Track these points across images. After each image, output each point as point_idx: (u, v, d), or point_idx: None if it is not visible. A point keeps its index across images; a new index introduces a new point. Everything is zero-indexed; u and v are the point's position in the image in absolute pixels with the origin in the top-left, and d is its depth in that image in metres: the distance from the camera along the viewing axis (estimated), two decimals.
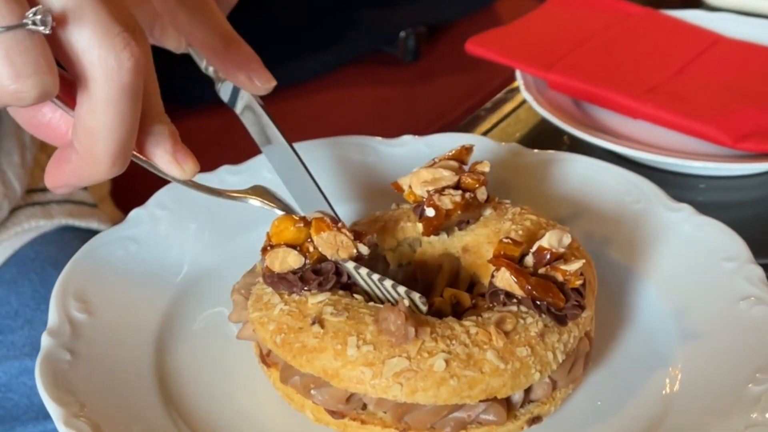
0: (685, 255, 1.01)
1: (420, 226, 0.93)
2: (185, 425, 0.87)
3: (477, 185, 0.92)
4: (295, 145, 1.06)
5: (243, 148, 1.16)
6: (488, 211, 0.95)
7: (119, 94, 0.67)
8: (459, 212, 0.91)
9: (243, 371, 0.92)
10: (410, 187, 0.93)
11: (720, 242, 1.00)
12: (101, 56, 0.65)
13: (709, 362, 0.90)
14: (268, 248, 0.84)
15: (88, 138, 0.69)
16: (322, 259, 0.84)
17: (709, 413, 0.85)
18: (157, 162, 0.76)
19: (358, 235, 0.84)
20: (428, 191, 0.92)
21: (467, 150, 0.95)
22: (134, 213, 1.06)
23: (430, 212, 0.91)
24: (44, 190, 1.42)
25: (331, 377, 0.80)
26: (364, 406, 0.84)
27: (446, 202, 0.91)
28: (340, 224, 0.84)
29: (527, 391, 0.83)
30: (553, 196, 1.11)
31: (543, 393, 0.84)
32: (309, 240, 0.83)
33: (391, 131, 1.21)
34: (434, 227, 0.92)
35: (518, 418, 0.84)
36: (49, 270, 1.33)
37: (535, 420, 0.85)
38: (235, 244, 1.03)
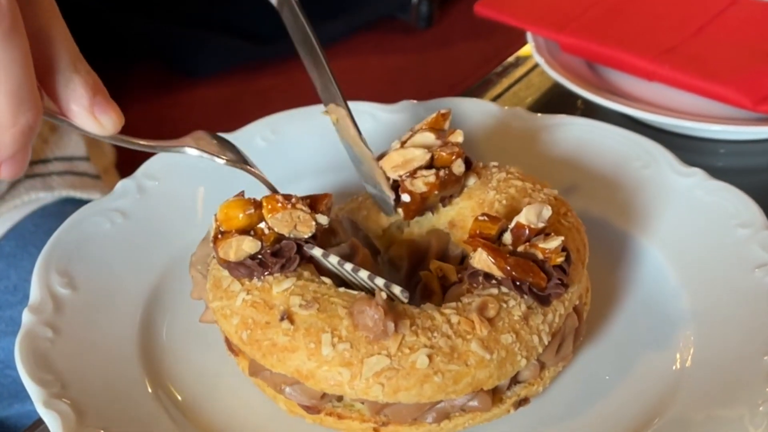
0: (697, 221, 0.97)
1: (401, 211, 0.89)
2: (172, 405, 0.84)
3: (452, 159, 0.88)
4: (292, 111, 1.05)
5: (248, 118, 1.13)
6: (472, 180, 0.90)
7: None
8: (436, 192, 0.87)
9: None
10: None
11: (734, 208, 0.95)
12: None
13: (722, 334, 0.86)
14: (219, 236, 0.78)
15: None
16: (280, 238, 0.78)
17: (722, 388, 0.81)
18: (72, 118, 0.70)
19: (314, 205, 0.79)
20: (400, 176, 0.87)
21: (443, 116, 0.90)
22: (121, 184, 1.03)
23: (405, 198, 0.87)
24: (45, 161, 1.39)
25: (305, 378, 0.75)
26: (340, 397, 0.79)
27: (419, 185, 0.86)
28: (294, 199, 0.78)
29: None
30: (558, 162, 1.07)
31: (530, 374, 0.80)
32: (263, 222, 0.78)
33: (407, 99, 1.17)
34: (413, 211, 0.88)
35: (504, 401, 0.80)
36: None
37: (523, 402, 0.81)
38: None
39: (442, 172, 0.87)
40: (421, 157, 0.87)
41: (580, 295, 0.84)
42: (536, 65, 1.40)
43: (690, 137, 1.25)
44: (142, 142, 0.77)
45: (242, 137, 1.09)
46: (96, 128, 0.70)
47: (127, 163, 1.57)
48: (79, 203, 1.38)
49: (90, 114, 0.69)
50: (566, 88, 1.30)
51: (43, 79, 0.68)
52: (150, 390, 0.85)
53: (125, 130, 0.75)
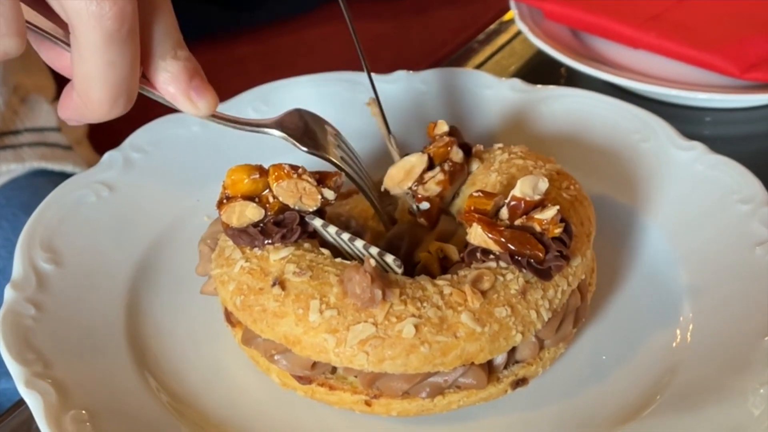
0: (697, 197, 0.95)
1: (425, 220, 0.87)
2: (158, 384, 0.82)
3: (448, 150, 0.86)
4: (281, 82, 1.05)
5: (224, 87, 1.10)
6: (475, 166, 0.88)
7: (105, 42, 0.65)
8: (449, 187, 0.85)
9: (219, 327, 0.87)
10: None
11: (735, 183, 0.94)
12: (82, 4, 0.64)
13: (722, 313, 0.85)
14: (224, 201, 0.78)
15: (82, 83, 0.68)
16: (285, 208, 0.77)
17: (722, 368, 0.79)
18: (170, 100, 0.73)
19: (322, 179, 0.78)
20: (409, 188, 0.86)
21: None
22: (108, 156, 1.00)
23: (424, 206, 0.85)
24: (15, 132, 1.36)
25: (292, 344, 0.74)
26: (334, 369, 0.78)
27: (432, 187, 0.85)
28: (300, 170, 0.77)
29: (511, 351, 0.78)
30: (556, 135, 1.05)
31: (529, 353, 0.79)
32: (268, 190, 0.77)
33: (383, 67, 1.15)
34: (435, 215, 0.86)
35: (501, 380, 0.79)
36: (21, 217, 1.27)
37: (521, 382, 0.80)
38: (215, 188, 0.97)
39: (446, 166, 0.86)
40: (420, 161, 0.86)
41: (585, 273, 0.82)
42: (519, 32, 1.39)
43: (675, 105, 1.24)
44: (230, 120, 0.78)
45: (233, 108, 1.06)
46: (192, 110, 0.73)
47: (99, 134, 1.53)
48: (51, 175, 1.35)
49: (187, 97, 0.72)
50: (550, 56, 1.28)
51: (145, 60, 0.71)
52: (135, 370, 0.82)
53: None
